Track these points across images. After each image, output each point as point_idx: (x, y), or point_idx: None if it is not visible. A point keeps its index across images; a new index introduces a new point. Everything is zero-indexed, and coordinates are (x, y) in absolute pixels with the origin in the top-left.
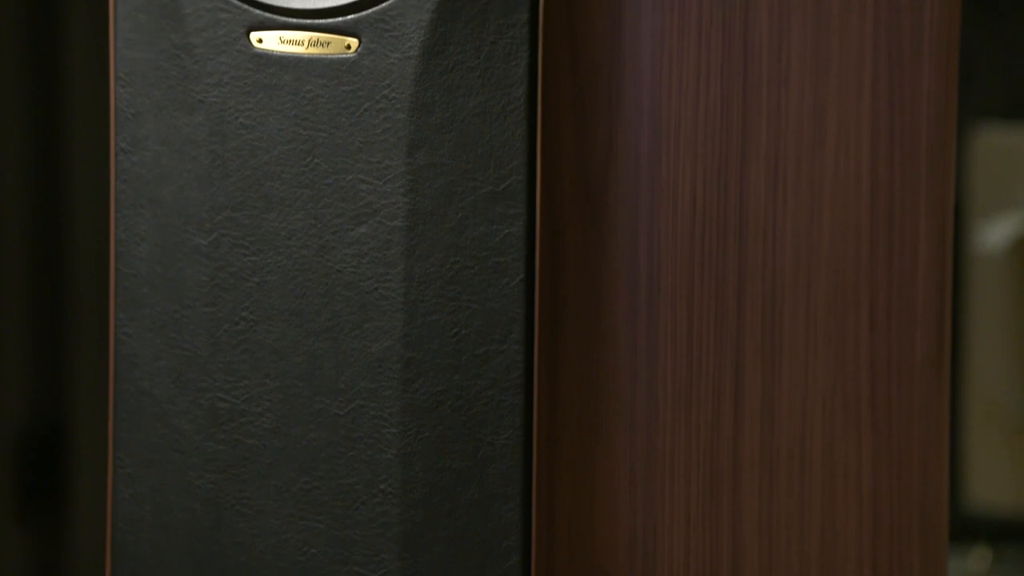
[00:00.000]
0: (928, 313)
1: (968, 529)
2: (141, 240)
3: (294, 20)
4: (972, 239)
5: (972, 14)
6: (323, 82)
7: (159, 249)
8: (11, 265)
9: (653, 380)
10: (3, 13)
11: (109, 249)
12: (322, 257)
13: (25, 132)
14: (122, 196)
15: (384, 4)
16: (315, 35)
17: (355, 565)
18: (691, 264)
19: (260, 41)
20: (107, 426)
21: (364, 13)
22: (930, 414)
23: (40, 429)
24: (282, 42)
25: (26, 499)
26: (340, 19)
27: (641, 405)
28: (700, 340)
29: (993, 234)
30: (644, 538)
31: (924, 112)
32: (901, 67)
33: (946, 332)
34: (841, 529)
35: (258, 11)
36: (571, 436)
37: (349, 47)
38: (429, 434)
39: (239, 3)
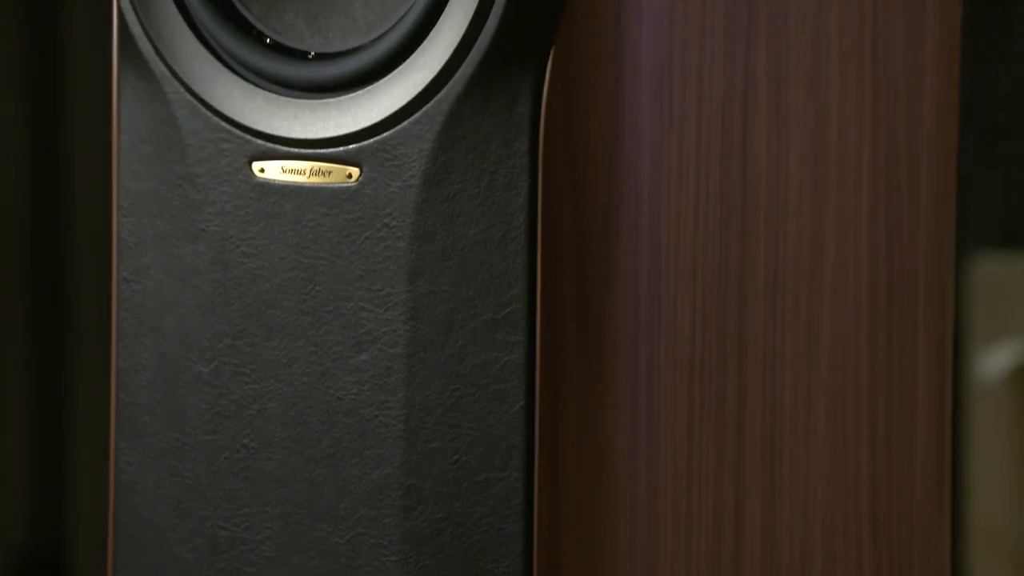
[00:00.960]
0: (928, 441)
1: None
2: (142, 369)
3: (296, 150)
4: (971, 367)
5: (968, 142)
6: (324, 211)
7: (160, 377)
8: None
9: (653, 507)
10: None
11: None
12: (323, 384)
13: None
14: (124, 325)
15: (386, 133)
16: (317, 164)
17: None
18: (690, 391)
19: (262, 171)
20: (107, 553)
21: (366, 143)
22: (931, 541)
23: (40, 556)
24: (284, 172)
25: None
26: (342, 148)
27: (641, 532)
28: (700, 466)
29: (992, 362)
30: None
31: (922, 241)
32: (899, 196)
33: (946, 460)
34: None
35: (260, 141)
36: (572, 564)
37: (351, 176)
38: (429, 562)
39: (242, 133)
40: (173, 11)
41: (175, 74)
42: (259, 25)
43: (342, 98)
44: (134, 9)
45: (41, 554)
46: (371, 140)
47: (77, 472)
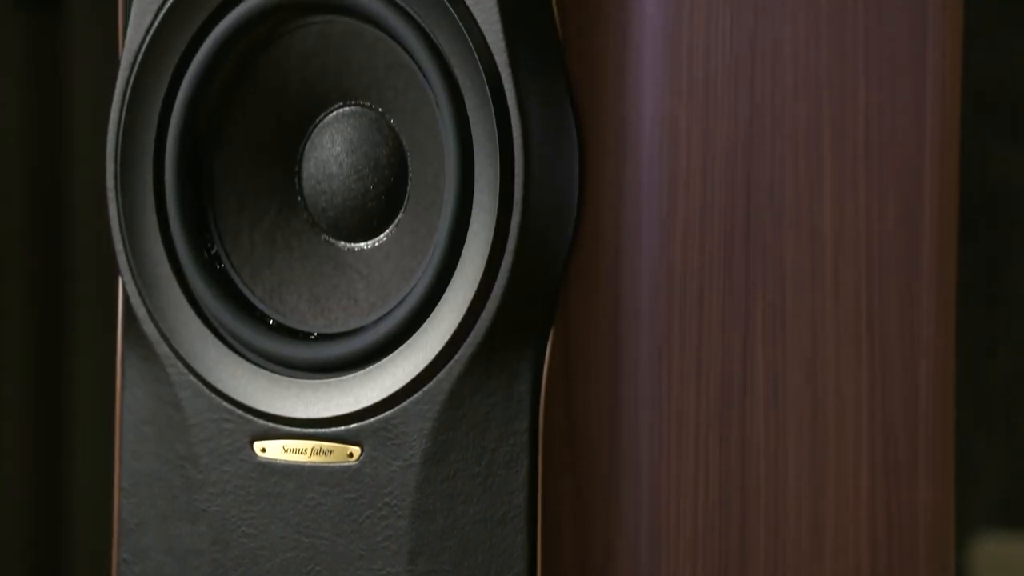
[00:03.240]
0: None
1: None
2: None
3: (298, 429)
4: None
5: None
6: (325, 490)
7: None
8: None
9: None
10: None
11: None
12: None
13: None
14: None
15: (387, 413)
16: (318, 444)
17: None
18: None
19: (264, 450)
20: None
21: (367, 422)
22: None
23: None
24: (286, 451)
25: None
26: (343, 428)
27: None
28: None
29: None
30: None
31: (921, 522)
32: (898, 477)
33: None
34: None
35: (263, 421)
36: None
37: (352, 455)
38: None
39: (244, 413)
40: (177, 294)
41: (179, 356)
42: (262, 307)
43: (344, 378)
44: (139, 292)
45: None
46: (372, 419)
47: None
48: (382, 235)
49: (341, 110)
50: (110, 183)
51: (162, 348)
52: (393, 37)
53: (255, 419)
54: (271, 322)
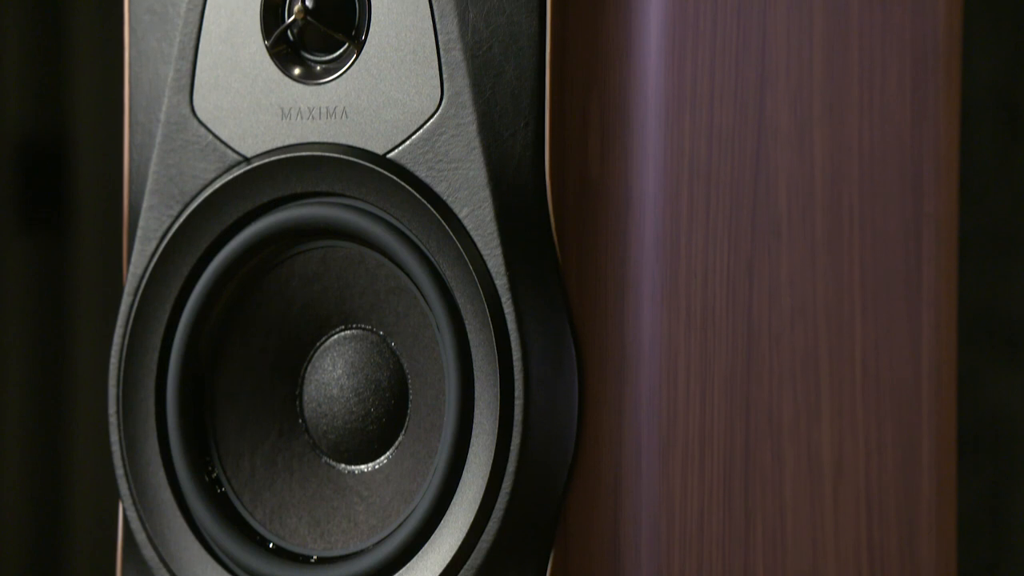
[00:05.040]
0: None
1: None
2: None
3: None
4: None
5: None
6: None
7: None
8: None
9: None
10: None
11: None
12: None
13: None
14: None
15: None
16: None
17: None
18: None
19: None
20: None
21: None
22: None
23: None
24: None
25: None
26: None
27: None
28: None
29: None
30: None
31: None
32: None
33: None
34: None
35: None
36: None
37: None
38: None
39: None
40: (178, 519)
41: None
42: (263, 530)
43: None
44: (138, 515)
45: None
46: None
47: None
48: (382, 457)
49: (342, 333)
50: (112, 408)
51: (162, 574)
52: (395, 262)
53: None
54: (271, 545)
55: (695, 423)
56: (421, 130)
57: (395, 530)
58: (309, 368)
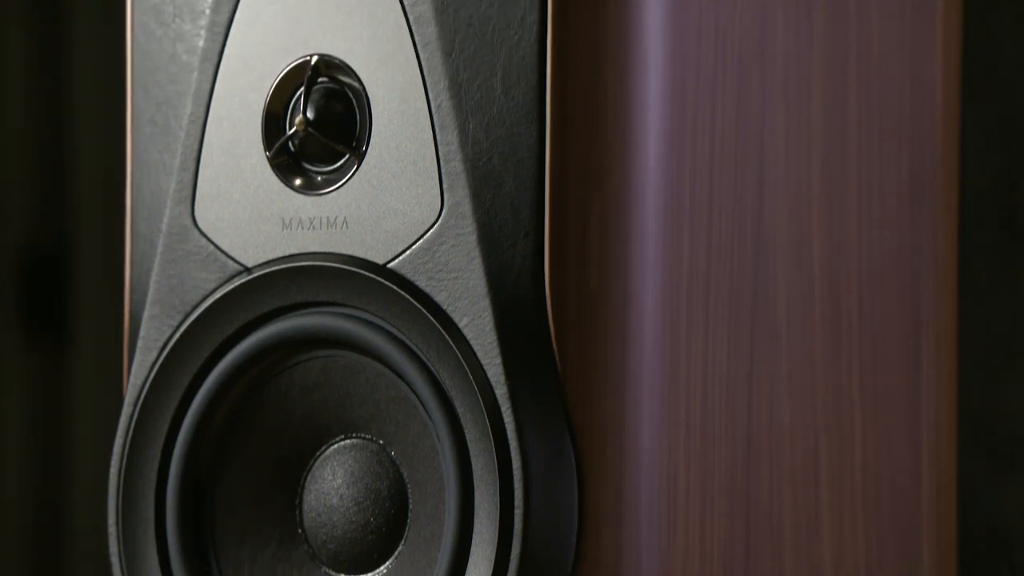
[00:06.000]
0: None
1: None
2: None
3: None
4: None
5: None
6: None
7: None
8: None
9: None
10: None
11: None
12: None
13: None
14: None
15: None
16: None
17: None
18: None
19: None
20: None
21: None
22: None
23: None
24: None
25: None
26: None
27: None
28: None
29: None
30: None
31: None
32: None
33: None
34: None
35: None
36: None
37: None
38: None
39: None
40: None
41: None
42: None
43: None
44: None
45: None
46: None
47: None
48: (382, 567)
49: (343, 442)
50: (111, 518)
51: None
52: (395, 371)
53: None
54: None
55: (695, 532)
56: (421, 240)
57: None
58: (309, 477)
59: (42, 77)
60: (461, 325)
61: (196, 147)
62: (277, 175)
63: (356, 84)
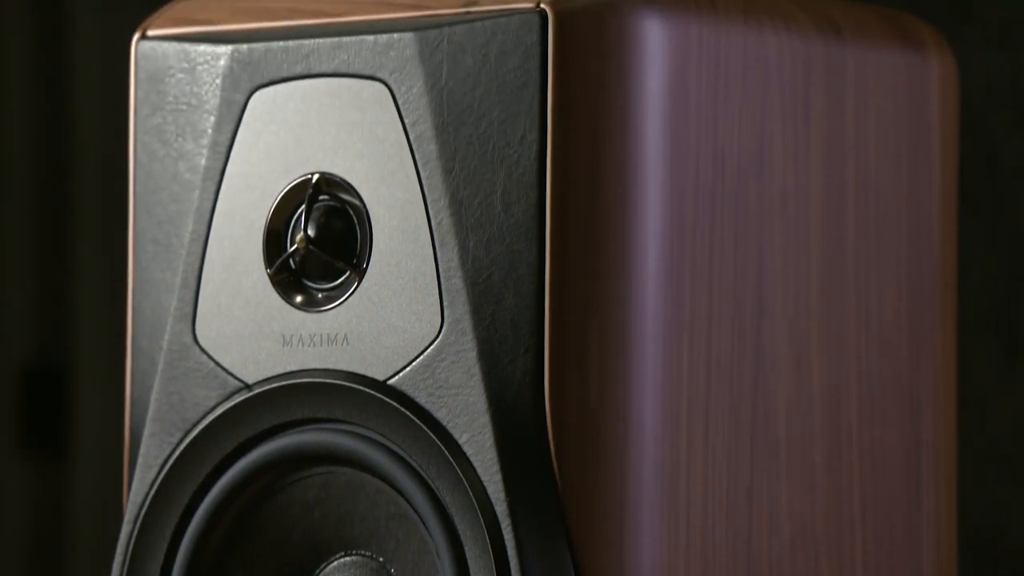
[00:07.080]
0: None
1: None
2: None
3: None
4: None
5: None
6: None
7: None
8: None
9: None
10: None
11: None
12: None
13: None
14: None
15: None
16: None
17: None
18: None
19: None
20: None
21: None
22: None
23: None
24: None
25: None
26: None
27: None
28: None
29: None
30: None
31: None
32: None
33: None
34: None
35: None
36: None
37: None
38: None
39: None
40: None
41: None
42: None
43: None
44: None
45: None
46: None
47: None
48: None
49: (343, 559)
50: None
51: None
52: (395, 488)
53: None
54: None
55: None
56: (422, 356)
57: None
58: None
59: (44, 158)
60: (461, 442)
61: (198, 264)
62: (278, 292)
63: (357, 202)
